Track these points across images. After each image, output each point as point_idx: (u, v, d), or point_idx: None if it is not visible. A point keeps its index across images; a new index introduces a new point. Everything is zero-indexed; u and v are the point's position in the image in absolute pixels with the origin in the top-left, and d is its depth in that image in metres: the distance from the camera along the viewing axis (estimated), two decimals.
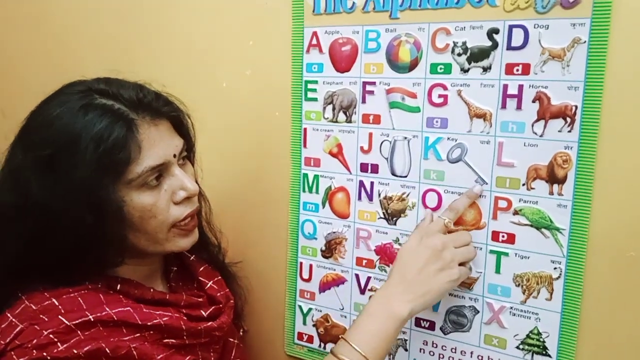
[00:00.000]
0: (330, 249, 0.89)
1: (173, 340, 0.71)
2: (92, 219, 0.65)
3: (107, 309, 0.67)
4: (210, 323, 0.76)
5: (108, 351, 0.64)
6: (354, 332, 0.70)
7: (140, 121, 0.69)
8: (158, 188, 0.71)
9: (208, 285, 0.82)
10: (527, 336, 0.75)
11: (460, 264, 0.74)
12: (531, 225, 0.73)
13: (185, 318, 0.74)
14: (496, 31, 0.72)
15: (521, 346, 0.76)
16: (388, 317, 0.69)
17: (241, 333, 0.92)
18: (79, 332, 0.64)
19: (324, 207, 0.88)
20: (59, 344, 0.62)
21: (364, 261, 0.86)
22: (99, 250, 0.69)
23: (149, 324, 0.68)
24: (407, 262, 0.72)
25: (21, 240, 0.68)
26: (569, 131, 0.69)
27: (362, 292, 0.87)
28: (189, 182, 0.73)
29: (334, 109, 0.84)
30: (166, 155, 0.71)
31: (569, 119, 0.69)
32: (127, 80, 0.74)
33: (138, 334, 0.68)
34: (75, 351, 0.62)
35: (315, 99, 0.86)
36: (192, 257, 0.85)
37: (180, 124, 0.77)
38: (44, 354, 0.61)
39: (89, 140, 0.65)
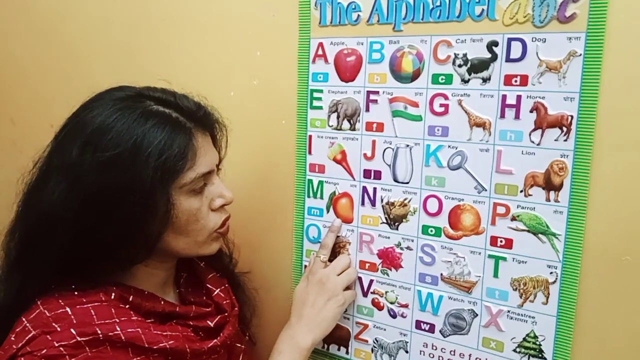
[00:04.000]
0: (334, 253, 0.91)
1: None
2: (141, 216, 0.68)
3: (118, 328, 0.67)
4: (214, 342, 0.77)
5: None
6: None
7: (195, 130, 0.74)
8: (200, 195, 0.75)
9: (215, 293, 0.84)
10: (524, 339, 0.77)
11: (346, 289, 0.87)
12: (528, 231, 0.75)
13: (192, 334, 0.75)
14: (495, 44, 0.74)
15: (518, 349, 0.78)
16: (296, 350, 0.81)
17: (247, 337, 0.93)
18: (87, 348, 0.65)
19: (328, 212, 0.91)
20: (67, 357, 0.63)
21: (367, 264, 0.89)
22: (134, 247, 0.70)
23: (154, 347, 0.69)
24: (300, 301, 0.86)
25: (67, 233, 0.68)
26: (565, 140, 0.71)
27: (365, 294, 0.89)
28: (227, 191, 0.79)
29: (338, 117, 0.87)
30: (212, 164, 0.76)
31: (565, 129, 0.71)
32: (184, 93, 0.78)
33: (143, 356, 0.69)
34: None
35: (320, 107, 0.88)
36: (202, 264, 0.87)
37: (218, 137, 0.82)
38: None
39: (152, 147, 0.68)
